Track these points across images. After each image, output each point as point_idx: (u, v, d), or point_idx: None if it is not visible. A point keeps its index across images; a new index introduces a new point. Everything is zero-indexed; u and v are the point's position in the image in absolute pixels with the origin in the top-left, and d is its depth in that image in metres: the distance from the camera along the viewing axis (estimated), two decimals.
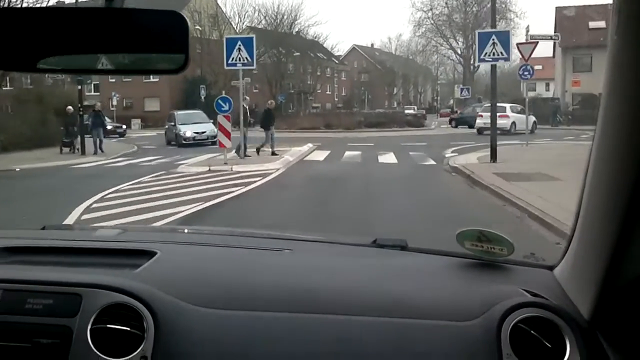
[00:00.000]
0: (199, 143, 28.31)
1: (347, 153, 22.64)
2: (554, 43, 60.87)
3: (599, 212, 1.21)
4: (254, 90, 70.64)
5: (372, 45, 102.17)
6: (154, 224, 8.70)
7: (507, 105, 35.30)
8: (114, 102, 56.80)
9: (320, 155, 21.99)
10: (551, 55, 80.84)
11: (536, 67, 77.81)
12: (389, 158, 20.86)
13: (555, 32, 57.05)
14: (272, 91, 65.75)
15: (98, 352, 1.30)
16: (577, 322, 1.31)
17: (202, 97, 56.71)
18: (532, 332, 1.30)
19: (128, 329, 1.33)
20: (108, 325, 1.34)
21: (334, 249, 2.05)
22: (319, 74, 76.66)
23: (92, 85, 67.88)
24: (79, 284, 1.41)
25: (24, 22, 1.16)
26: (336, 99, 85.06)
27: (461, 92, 55.27)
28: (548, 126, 43.42)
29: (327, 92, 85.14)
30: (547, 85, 77.49)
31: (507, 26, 65.29)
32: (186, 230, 2.79)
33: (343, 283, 1.53)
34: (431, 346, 1.32)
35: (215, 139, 27.87)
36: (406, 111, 52.96)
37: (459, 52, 67.57)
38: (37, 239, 1.97)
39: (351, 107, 67.11)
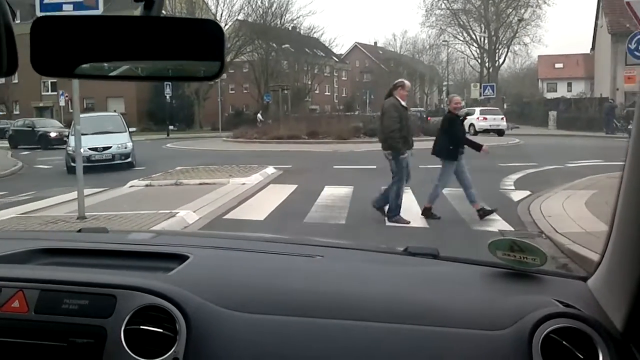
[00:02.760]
0: (99, 165, 17.87)
1: (327, 191, 12.33)
2: (595, 32, 51.34)
3: (634, 222, 1.23)
4: (244, 92, 62.17)
5: (375, 43, 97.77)
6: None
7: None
8: (62, 103, 46.80)
9: (273, 198, 11.61)
10: (573, 52, 72.33)
11: (556, 66, 68.27)
12: (406, 206, 10.48)
13: (600, 15, 47.34)
14: (261, 92, 56.64)
15: (131, 353, 1.30)
16: (610, 333, 1.29)
17: (168, 97, 47.23)
18: (564, 342, 1.27)
19: (161, 330, 1.33)
20: (141, 327, 1.34)
21: (366, 256, 2.01)
22: (316, 72, 68.73)
23: (50, 83, 59.04)
24: (114, 285, 1.41)
25: (64, 30, 1.17)
26: (336, 101, 78.95)
27: (484, 91, 45.02)
28: (599, 134, 33.06)
29: (326, 93, 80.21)
30: (570, 85, 69.11)
31: (533, 15, 55.11)
32: (218, 236, 2.86)
33: (374, 290, 1.52)
34: (462, 355, 1.29)
35: (128, 159, 17.68)
36: (419, 115, 42.47)
37: (480, 41, 57.07)
38: (73, 241, 2.00)
39: (353, 110, 58.50)
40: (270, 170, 15.74)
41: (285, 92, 38.62)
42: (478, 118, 35.96)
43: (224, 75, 48.66)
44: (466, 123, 33.49)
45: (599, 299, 1.43)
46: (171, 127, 47.06)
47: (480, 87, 48.76)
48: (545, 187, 12.16)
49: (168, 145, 31.18)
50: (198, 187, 13.01)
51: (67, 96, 48.34)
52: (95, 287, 1.42)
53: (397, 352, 1.30)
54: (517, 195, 11.73)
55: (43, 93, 60.50)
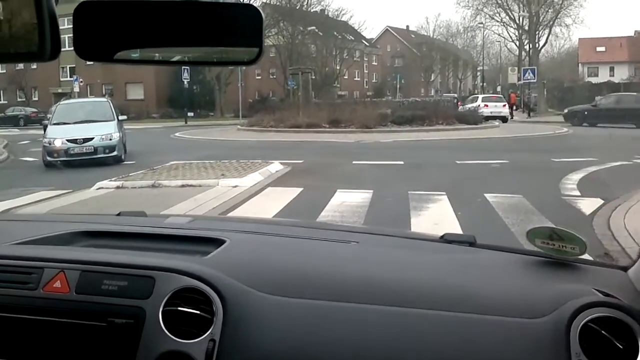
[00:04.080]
0: (78, 160, 15.38)
1: (338, 197, 9.63)
2: None
3: None
4: (270, 77, 59.79)
5: (407, 27, 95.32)
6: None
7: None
8: (76, 89, 44.61)
9: (265, 208, 8.89)
10: (616, 34, 68.71)
11: (598, 49, 64.85)
12: (435, 218, 7.70)
13: None
14: (287, 77, 54.02)
15: (169, 334, 1.32)
16: None
17: (186, 82, 44.69)
18: (603, 332, 1.24)
19: (198, 312, 1.35)
20: (179, 308, 1.35)
21: (401, 242, 1.98)
22: (345, 56, 66.11)
23: (68, 68, 57.14)
24: (153, 267, 1.43)
25: (107, 15, 1.18)
26: (366, 86, 77.93)
27: (524, 75, 41.81)
28: None
29: (356, 78, 77.87)
30: (612, 69, 65.44)
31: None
32: (255, 221, 2.79)
33: (409, 276, 1.51)
34: (497, 342, 1.27)
35: (114, 152, 15.18)
36: (467, 103, 39.86)
37: (519, 22, 53.48)
38: (113, 224, 2.01)
39: (383, 95, 55.62)
40: (274, 167, 13.04)
41: (307, 75, 35.76)
42: (480, 105, 36.05)
43: None
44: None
45: (639, 289, 1.42)
46: (190, 114, 44.65)
47: (520, 72, 45.60)
48: (620, 192, 9.39)
49: (177, 134, 28.59)
50: (178, 190, 10.41)
51: (81, 81, 46.35)
52: (134, 268, 1.44)
53: (431, 338, 1.28)
54: (587, 205, 8.90)
55: (62, 79, 58.58)
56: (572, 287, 1.40)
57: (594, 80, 57.63)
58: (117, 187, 11.04)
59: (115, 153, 15.60)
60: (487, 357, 1.26)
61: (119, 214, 2.21)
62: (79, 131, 15.56)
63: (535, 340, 1.25)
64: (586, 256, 1.57)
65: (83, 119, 16.22)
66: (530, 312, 1.30)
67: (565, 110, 35.38)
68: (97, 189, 11.07)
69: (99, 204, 9.55)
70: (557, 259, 1.56)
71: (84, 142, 15.39)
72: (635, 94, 32.83)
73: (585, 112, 31.45)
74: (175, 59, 1.28)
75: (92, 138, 15.43)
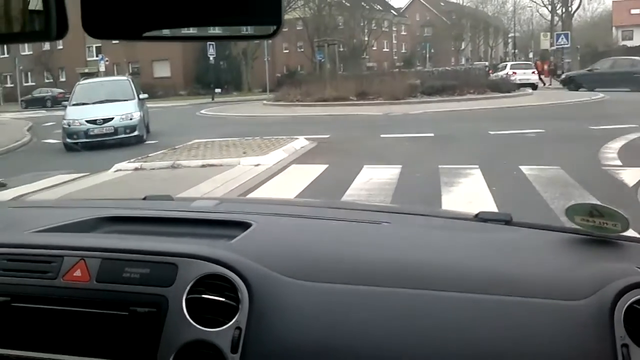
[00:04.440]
0: (98, 141, 15.07)
1: (365, 174, 9.19)
2: None
3: None
4: (299, 50, 59.18)
5: None
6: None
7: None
8: (102, 68, 44.42)
9: (286, 189, 8.51)
10: None
11: (633, 12, 62.60)
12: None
13: None
14: (314, 50, 53.32)
15: (193, 322, 1.28)
16: None
17: (212, 58, 44.20)
18: None
19: (223, 299, 1.30)
20: (203, 296, 1.31)
21: (434, 222, 1.93)
22: (373, 27, 65.05)
23: (94, 48, 57.06)
24: (175, 253, 1.39)
25: None
26: (395, 57, 76.38)
27: (557, 40, 40.55)
28: None
29: (385, 49, 77.08)
30: None
31: None
32: (282, 202, 2.81)
33: (443, 257, 1.46)
34: (535, 326, 1.21)
35: (134, 132, 14.86)
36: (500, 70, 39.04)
37: None
38: (138, 208, 1.98)
39: (412, 66, 54.58)
40: (299, 143, 12.58)
41: (333, 47, 35.15)
42: (508, 73, 35.43)
43: None
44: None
45: None
46: (218, 90, 44.22)
47: (552, 37, 44.30)
48: None
49: (203, 111, 28.21)
50: (197, 171, 10.03)
51: (107, 60, 46.17)
52: (156, 255, 1.39)
53: (467, 323, 1.22)
54: (630, 176, 8.34)
55: (88, 58, 58.56)
56: (615, 266, 1.32)
57: (629, 44, 55.92)
58: (136, 169, 10.71)
59: (136, 133, 15.23)
60: (525, 341, 1.18)
61: (144, 198, 2.17)
62: (99, 111, 15.22)
63: (577, 323, 1.18)
64: (630, 232, 1.47)
65: (102, 99, 15.87)
66: (570, 294, 1.24)
67: (563, 76, 34.92)
68: (115, 171, 10.77)
69: (114, 187, 9.22)
70: (598, 236, 1.46)
71: (103, 123, 15.04)
72: (631, 57, 32.10)
73: (582, 77, 31.20)
74: (189, 34, 1.24)
75: (112, 118, 15.08)
